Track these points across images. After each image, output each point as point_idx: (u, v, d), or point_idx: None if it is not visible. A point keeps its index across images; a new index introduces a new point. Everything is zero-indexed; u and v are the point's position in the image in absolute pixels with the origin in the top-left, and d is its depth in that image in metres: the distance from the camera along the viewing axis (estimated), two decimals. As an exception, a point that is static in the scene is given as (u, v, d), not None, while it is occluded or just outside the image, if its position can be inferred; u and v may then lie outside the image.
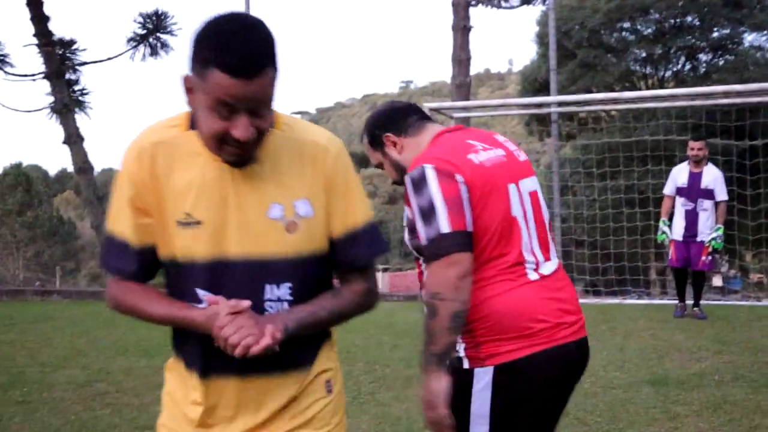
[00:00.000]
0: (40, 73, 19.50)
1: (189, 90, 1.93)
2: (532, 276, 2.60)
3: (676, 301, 10.24)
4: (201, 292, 2.02)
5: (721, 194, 9.68)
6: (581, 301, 10.18)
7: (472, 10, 17.22)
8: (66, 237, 50.81)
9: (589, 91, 22.13)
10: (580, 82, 25.14)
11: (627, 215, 14.49)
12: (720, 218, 9.66)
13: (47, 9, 18.96)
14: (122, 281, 2.12)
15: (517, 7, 18.87)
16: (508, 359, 2.52)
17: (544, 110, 15.26)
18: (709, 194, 9.64)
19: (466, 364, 2.58)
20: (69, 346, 8.86)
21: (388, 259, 41.11)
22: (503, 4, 18.82)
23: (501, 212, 2.57)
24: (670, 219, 9.98)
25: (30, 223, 46.51)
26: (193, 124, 2.02)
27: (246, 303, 1.94)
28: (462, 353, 2.59)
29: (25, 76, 19.60)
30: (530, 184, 2.73)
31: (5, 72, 19.10)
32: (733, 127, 14.01)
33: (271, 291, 2.05)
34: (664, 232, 9.97)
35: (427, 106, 12.53)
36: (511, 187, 2.63)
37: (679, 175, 9.88)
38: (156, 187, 2.03)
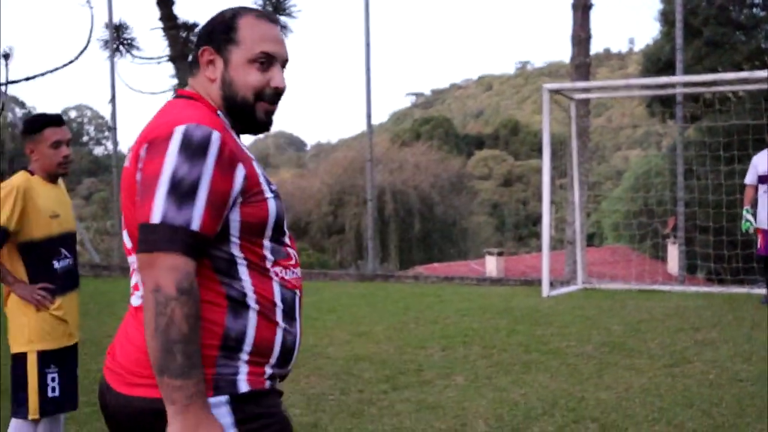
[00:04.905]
0: (164, 56, 20.15)
1: None
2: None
3: (765, 291, 10.17)
4: None
5: None
6: (706, 289, 9.93)
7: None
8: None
9: (716, 71, 21.44)
10: (706, 61, 24.34)
11: (756, 201, 14.02)
12: None
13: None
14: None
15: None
16: None
17: (669, 91, 14.85)
18: None
19: None
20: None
21: (502, 242, 40.84)
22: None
23: None
24: (754, 207, 9.92)
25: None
26: None
27: None
28: None
29: (151, 59, 20.26)
30: None
31: (132, 55, 19.77)
32: None
33: None
34: (748, 221, 9.94)
35: (546, 87, 12.39)
36: None
37: (761, 163, 9.84)
38: None
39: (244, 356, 1.94)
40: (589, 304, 10.58)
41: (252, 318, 1.94)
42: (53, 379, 4.10)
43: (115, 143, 18.32)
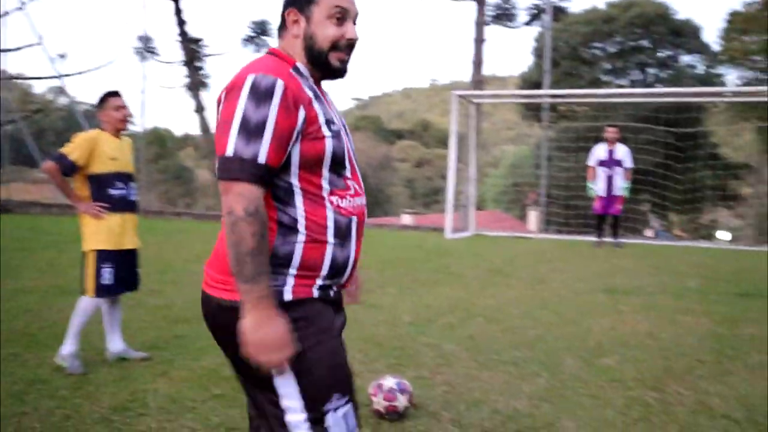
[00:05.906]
0: (180, 61, 19.76)
1: None
2: None
3: (615, 239, 10.67)
4: None
5: (628, 163, 10.20)
6: (556, 237, 10.16)
7: (486, 28, 17.19)
8: (186, 180, 51.26)
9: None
10: (562, 84, 24.80)
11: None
12: (627, 179, 10.22)
13: (186, 16, 19.22)
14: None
15: (521, 27, 18.88)
16: None
17: (536, 100, 15.25)
18: (620, 163, 10.17)
19: None
20: (199, 250, 9.18)
21: (413, 206, 41.03)
22: (509, 24, 18.76)
23: None
24: (593, 181, 10.40)
25: (161, 169, 46.96)
26: None
27: None
28: None
29: (169, 62, 19.89)
30: None
31: (155, 60, 19.39)
32: (672, 118, 14.00)
33: None
34: (591, 188, 10.42)
35: (455, 93, 12.59)
36: None
37: (599, 151, 10.33)
38: None
39: (292, 271, 1.72)
40: (477, 244, 10.84)
41: (300, 241, 1.71)
42: (107, 272, 4.14)
43: (143, 124, 18.05)
